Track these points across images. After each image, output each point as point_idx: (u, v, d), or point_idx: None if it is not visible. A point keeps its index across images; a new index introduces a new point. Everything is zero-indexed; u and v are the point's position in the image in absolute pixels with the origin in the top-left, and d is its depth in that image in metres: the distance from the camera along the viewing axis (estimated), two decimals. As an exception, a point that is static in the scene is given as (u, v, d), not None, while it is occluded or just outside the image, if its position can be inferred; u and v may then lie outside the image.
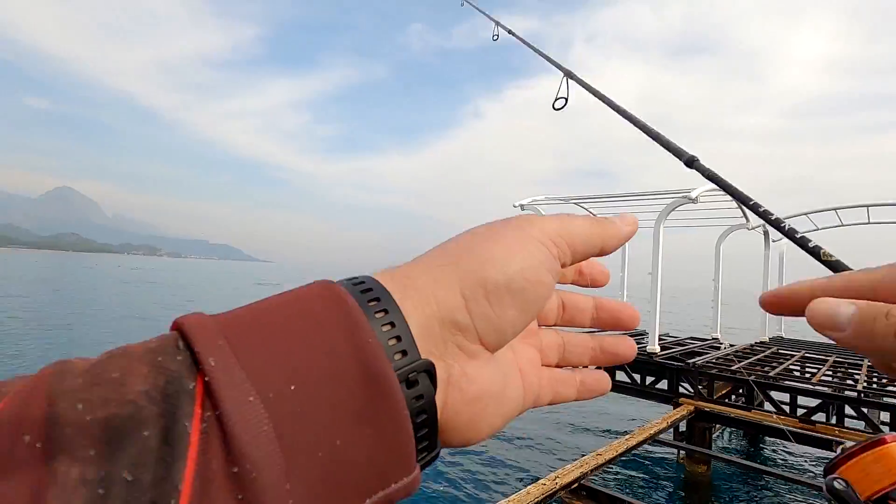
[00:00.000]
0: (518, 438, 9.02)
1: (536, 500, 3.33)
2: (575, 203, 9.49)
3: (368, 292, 0.24)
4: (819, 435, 5.27)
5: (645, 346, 7.31)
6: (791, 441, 5.23)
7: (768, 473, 5.81)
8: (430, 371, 0.24)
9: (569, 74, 0.87)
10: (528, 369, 0.32)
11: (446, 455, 7.72)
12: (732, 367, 6.80)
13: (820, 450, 5.38)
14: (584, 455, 4.24)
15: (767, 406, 6.20)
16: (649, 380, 6.99)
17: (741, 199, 0.34)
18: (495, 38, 1.67)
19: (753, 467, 5.47)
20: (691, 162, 0.41)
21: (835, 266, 0.32)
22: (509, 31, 1.59)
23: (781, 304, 0.29)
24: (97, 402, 0.18)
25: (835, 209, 9.94)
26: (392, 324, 0.24)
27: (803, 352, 8.60)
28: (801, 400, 6.35)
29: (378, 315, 0.23)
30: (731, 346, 8.95)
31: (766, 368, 6.98)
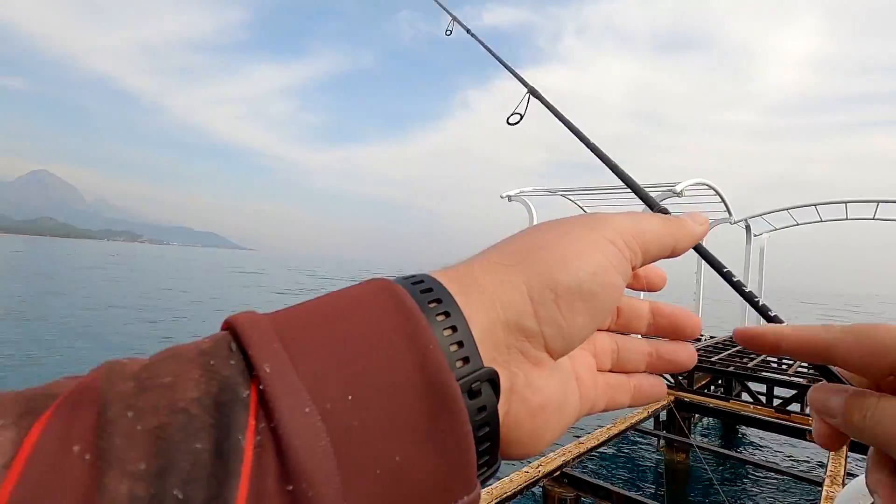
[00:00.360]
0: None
1: (519, 487, 3.38)
2: (562, 195, 9.53)
3: (428, 293, 0.23)
4: (794, 424, 5.42)
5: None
6: (767, 430, 5.36)
7: (744, 461, 5.97)
8: (493, 380, 0.22)
9: (532, 92, 0.80)
10: (585, 376, 0.30)
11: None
12: (712, 359, 6.95)
13: (794, 438, 5.54)
14: (566, 444, 4.31)
15: (745, 396, 6.35)
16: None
17: (716, 266, 0.34)
18: (448, 33, 1.37)
19: (731, 455, 5.62)
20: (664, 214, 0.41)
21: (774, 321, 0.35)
22: (468, 31, 1.23)
23: (751, 341, 0.31)
24: (148, 410, 0.17)
25: (814, 205, 10.13)
26: (454, 328, 0.22)
27: (781, 344, 8.80)
28: (777, 391, 6.52)
29: (439, 318, 0.22)
30: (712, 337, 9.12)
31: (744, 360, 7.13)
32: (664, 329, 0.34)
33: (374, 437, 0.19)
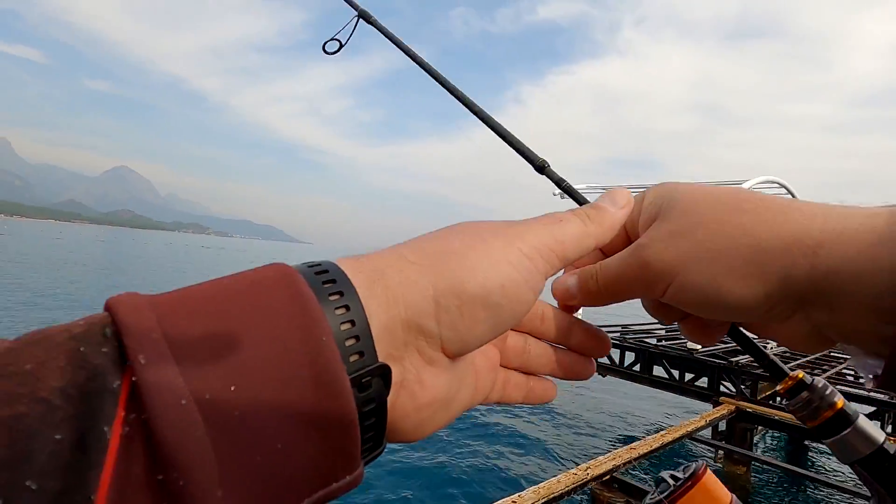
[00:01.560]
0: (553, 429, 9.00)
1: (567, 488, 3.33)
2: (618, 193, 9.27)
3: (331, 284, 0.23)
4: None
5: (685, 343, 7.11)
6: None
7: (812, 479, 5.58)
8: (385, 375, 0.23)
9: (362, 15, 0.66)
10: (485, 370, 0.32)
11: (477, 441, 7.80)
12: (779, 368, 6.53)
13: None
14: (617, 448, 4.20)
15: (815, 410, 5.93)
16: (689, 376, 6.81)
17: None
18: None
19: (797, 472, 5.28)
20: (542, 168, 0.41)
21: None
22: None
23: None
24: (2, 399, 0.16)
25: (902, 205, 9.29)
26: (352, 322, 0.22)
27: (858, 355, 8.15)
28: (853, 406, 6.04)
29: (339, 312, 0.22)
30: (779, 345, 8.58)
31: (815, 371, 6.66)
32: (577, 345, 0.35)
33: (256, 426, 0.19)
